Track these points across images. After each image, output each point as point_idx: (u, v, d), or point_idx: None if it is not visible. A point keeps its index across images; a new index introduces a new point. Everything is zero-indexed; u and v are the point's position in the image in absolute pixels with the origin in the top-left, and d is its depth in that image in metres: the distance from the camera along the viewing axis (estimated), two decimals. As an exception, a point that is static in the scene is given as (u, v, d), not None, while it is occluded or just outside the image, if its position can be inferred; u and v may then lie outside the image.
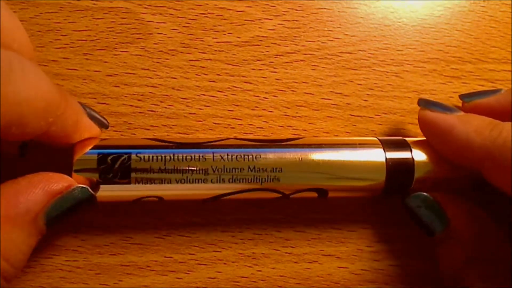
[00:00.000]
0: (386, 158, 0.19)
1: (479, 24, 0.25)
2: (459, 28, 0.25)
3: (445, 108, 0.20)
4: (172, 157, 0.18)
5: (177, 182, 0.18)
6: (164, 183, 0.18)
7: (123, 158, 0.18)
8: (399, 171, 0.20)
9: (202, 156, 0.18)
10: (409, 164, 0.20)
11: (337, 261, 0.22)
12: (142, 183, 0.18)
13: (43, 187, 0.16)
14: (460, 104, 0.23)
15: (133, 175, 0.18)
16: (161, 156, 0.18)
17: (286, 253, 0.21)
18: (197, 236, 0.21)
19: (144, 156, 0.18)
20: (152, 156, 0.18)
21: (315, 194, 0.19)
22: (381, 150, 0.20)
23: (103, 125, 0.19)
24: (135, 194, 0.18)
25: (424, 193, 0.20)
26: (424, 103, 0.21)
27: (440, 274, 0.20)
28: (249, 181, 0.18)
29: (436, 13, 0.25)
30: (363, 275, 0.21)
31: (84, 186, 0.17)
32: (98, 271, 0.20)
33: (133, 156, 0.18)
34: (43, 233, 0.16)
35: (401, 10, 0.24)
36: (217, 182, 0.18)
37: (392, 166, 0.19)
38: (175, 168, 0.18)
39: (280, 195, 0.19)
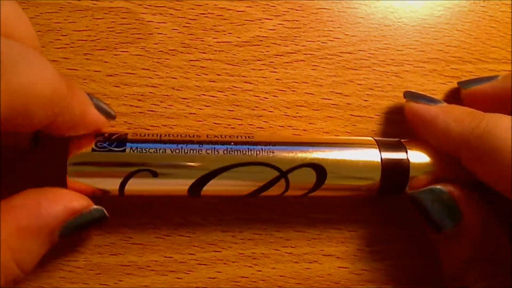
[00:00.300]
0: (381, 158, 0.20)
1: (479, 24, 0.25)
2: (459, 28, 0.25)
3: (429, 100, 0.21)
4: (168, 134, 0.19)
5: (172, 152, 0.18)
6: (159, 152, 0.18)
7: (120, 132, 0.19)
8: (394, 172, 0.20)
9: (197, 135, 0.19)
10: (404, 164, 0.20)
11: (337, 261, 0.22)
12: (137, 152, 0.18)
13: (65, 204, 0.17)
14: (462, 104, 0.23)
15: (128, 144, 0.18)
16: (158, 133, 0.19)
17: (286, 253, 0.21)
18: (197, 236, 0.21)
19: (140, 133, 0.19)
20: (149, 133, 0.19)
21: (313, 173, 0.19)
22: (376, 150, 0.20)
23: (110, 116, 0.19)
24: (129, 164, 0.18)
25: (439, 187, 0.19)
26: (410, 95, 0.21)
27: (442, 273, 0.20)
28: (244, 153, 0.19)
29: (436, 13, 0.25)
30: (363, 275, 0.21)
31: (100, 208, 0.18)
32: (98, 271, 0.20)
33: (130, 132, 0.19)
34: (54, 244, 0.17)
35: (401, 10, 0.24)
36: (212, 153, 0.18)
37: (387, 166, 0.19)
38: (170, 139, 0.19)
39: (278, 173, 0.19)
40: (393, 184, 0.20)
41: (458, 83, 0.23)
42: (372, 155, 0.20)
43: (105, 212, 0.18)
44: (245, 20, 0.23)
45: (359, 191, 0.20)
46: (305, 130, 0.23)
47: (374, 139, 0.20)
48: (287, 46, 0.23)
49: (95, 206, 0.18)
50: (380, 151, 0.20)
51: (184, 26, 0.23)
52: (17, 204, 0.16)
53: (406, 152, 0.20)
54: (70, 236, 0.17)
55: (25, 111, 0.14)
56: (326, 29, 0.24)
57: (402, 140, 0.21)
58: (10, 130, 0.14)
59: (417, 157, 0.20)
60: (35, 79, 0.14)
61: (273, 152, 0.19)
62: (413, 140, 0.21)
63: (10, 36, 0.15)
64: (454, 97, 0.24)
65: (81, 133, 0.18)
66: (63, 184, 0.18)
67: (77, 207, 0.17)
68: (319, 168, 0.19)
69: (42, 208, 0.16)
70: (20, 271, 0.16)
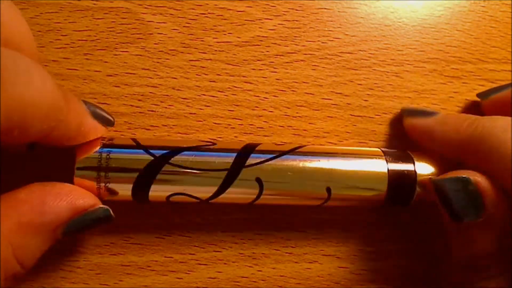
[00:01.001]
0: (388, 169, 0.20)
1: (479, 24, 0.25)
2: (460, 28, 0.25)
3: (426, 113, 0.21)
4: None
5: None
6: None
7: None
8: (401, 183, 0.20)
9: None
10: (411, 176, 0.20)
11: (338, 261, 0.22)
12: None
13: (70, 202, 0.16)
14: (460, 104, 0.23)
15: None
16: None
17: (286, 253, 0.21)
18: (197, 236, 0.21)
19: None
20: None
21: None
22: (383, 161, 0.20)
23: (108, 123, 0.19)
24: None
25: (465, 176, 0.18)
26: (407, 112, 0.22)
27: (440, 272, 0.20)
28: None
29: (436, 13, 0.25)
30: (363, 275, 0.21)
31: (107, 207, 0.17)
32: (98, 271, 0.20)
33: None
34: (57, 241, 0.17)
35: (401, 10, 0.24)
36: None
37: (395, 178, 0.19)
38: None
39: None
40: (400, 196, 0.20)
41: (477, 95, 0.23)
42: (379, 166, 0.20)
43: (111, 212, 0.18)
44: (245, 20, 0.23)
45: (365, 201, 0.20)
46: (305, 130, 0.22)
47: (381, 150, 0.20)
48: (287, 46, 0.23)
49: (101, 205, 0.17)
50: (387, 162, 0.20)
51: (184, 26, 0.23)
52: (20, 199, 0.16)
53: (414, 164, 0.20)
54: (73, 235, 0.17)
55: (22, 124, 0.14)
56: (326, 29, 0.24)
57: (409, 152, 0.21)
58: (5, 141, 0.14)
59: (425, 168, 0.20)
60: (34, 92, 0.14)
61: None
62: (421, 152, 0.21)
63: (9, 41, 0.15)
64: (453, 96, 0.24)
65: (78, 143, 0.18)
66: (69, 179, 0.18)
67: (82, 205, 0.17)
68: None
69: (46, 204, 0.16)
70: (21, 267, 0.16)
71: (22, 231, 0.15)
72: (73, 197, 0.16)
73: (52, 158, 0.20)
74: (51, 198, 0.16)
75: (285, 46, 0.23)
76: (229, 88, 0.22)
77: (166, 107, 0.22)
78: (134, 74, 0.22)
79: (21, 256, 0.15)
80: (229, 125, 0.22)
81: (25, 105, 0.13)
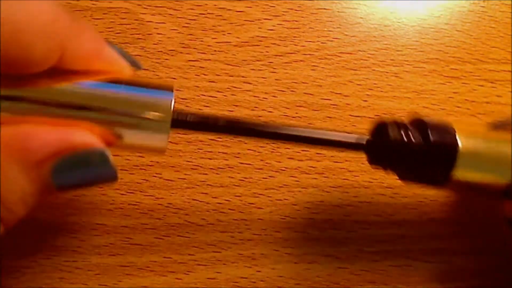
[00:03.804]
0: None
1: (479, 25, 0.25)
2: (459, 28, 0.25)
3: None
4: None
5: None
6: None
7: None
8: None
9: None
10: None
11: (337, 262, 0.21)
12: None
13: (61, 134, 0.14)
14: (459, 104, 0.23)
15: None
16: None
17: (285, 253, 0.21)
18: (196, 236, 0.21)
19: None
20: None
21: None
22: None
23: (135, 65, 0.16)
24: None
25: None
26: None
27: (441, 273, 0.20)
28: None
29: (436, 14, 0.25)
30: (363, 275, 0.21)
31: (105, 150, 0.14)
32: (97, 271, 0.20)
33: None
34: (49, 190, 0.14)
35: (401, 10, 0.24)
36: None
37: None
38: None
39: None
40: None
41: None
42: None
43: (110, 159, 0.14)
44: (245, 20, 0.23)
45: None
46: (304, 130, 0.22)
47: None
48: (287, 47, 0.23)
49: (100, 148, 0.14)
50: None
51: (183, 26, 0.23)
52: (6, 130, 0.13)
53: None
54: (67, 184, 0.14)
55: (23, 42, 0.13)
56: (325, 29, 0.24)
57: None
58: (13, 66, 0.13)
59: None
60: (31, 8, 0.13)
61: None
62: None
63: None
64: (453, 97, 0.24)
65: (96, 67, 0.15)
66: None
67: (75, 141, 0.14)
68: None
69: (31, 134, 0.13)
70: (4, 208, 0.13)
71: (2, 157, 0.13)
72: (67, 132, 0.14)
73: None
74: (40, 130, 0.14)
75: (284, 46, 0.23)
76: (228, 88, 0.22)
77: (165, 108, 0.22)
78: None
79: (6, 192, 0.13)
80: (229, 125, 0.22)
81: (21, 22, 0.13)
